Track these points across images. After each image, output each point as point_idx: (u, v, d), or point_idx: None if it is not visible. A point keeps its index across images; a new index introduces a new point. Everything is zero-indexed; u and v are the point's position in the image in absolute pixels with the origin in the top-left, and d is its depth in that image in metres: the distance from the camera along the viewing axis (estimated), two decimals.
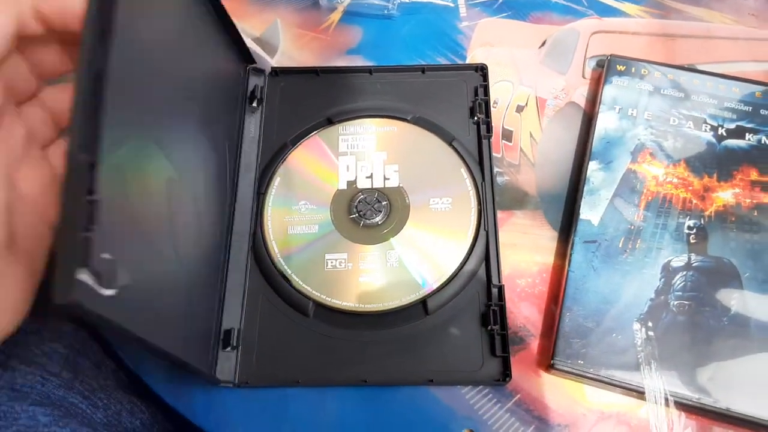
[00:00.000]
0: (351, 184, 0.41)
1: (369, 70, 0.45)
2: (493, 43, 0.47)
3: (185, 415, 0.36)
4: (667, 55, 0.46)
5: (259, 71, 0.44)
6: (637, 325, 0.36)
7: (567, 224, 0.40)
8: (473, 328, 0.37)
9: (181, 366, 0.30)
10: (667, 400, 0.34)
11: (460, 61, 0.47)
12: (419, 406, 0.36)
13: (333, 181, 0.41)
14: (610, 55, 0.43)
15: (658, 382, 0.34)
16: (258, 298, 0.39)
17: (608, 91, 0.42)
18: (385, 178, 0.41)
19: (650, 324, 0.36)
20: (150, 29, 0.28)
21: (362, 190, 0.41)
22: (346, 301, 0.38)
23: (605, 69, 0.43)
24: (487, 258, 0.39)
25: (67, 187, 0.21)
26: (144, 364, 0.38)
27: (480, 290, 0.38)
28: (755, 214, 0.38)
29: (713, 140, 0.40)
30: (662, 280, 0.37)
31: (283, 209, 0.41)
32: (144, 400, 0.40)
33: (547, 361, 0.36)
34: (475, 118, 0.42)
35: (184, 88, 0.33)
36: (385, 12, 0.49)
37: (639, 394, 0.35)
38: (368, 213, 0.40)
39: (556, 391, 0.37)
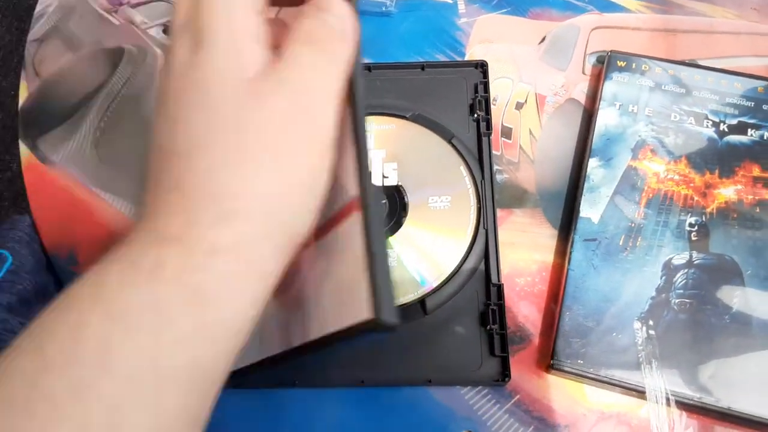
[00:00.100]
0: None
1: (368, 68, 0.44)
2: (492, 40, 0.47)
3: None
4: (668, 51, 0.45)
5: None
6: (637, 324, 0.35)
7: (567, 222, 0.40)
8: (472, 327, 0.37)
9: None
10: (668, 399, 0.34)
11: (458, 58, 0.46)
12: (418, 407, 0.36)
13: None
14: (611, 51, 0.43)
15: (659, 381, 0.34)
16: None
17: (608, 88, 0.42)
18: (383, 176, 0.41)
19: (651, 323, 0.35)
20: None
21: None
22: None
23: (605, 65, 0.43)
24: (486, 256, 0.38)
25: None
26: None
27: (479, 289, 0.38)
28: (757, 210, 0.38)
29: (715, 136, 0.40)
30: (663, 278, 0.36)
31: None
32: None
33: (547, 360, 0.36)
34: (475, 115, 0.42)
35: None
36: (383, 9, 0.49)
37: (640, 393, 0.34)
38: None
39: (556, 391, 0.36)
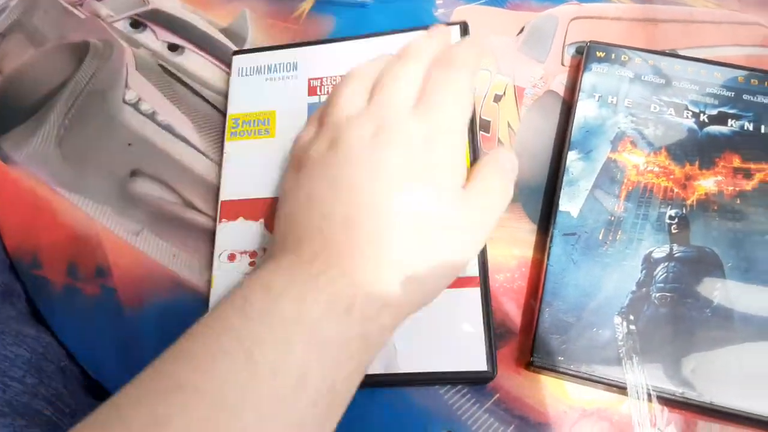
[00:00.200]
0: None
1: None
2: (470, 31, 0.46)
3: None
4: (649, 41, 0.44)
5: None
6: (618, 319, 0.35)
7: (546, 217, 0.39)
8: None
9: None
10: (649, 395, 0.33)
11: None
12: (395, 409, 0.35)
13: None
14: (589, 42, 0.42)
15: (640, 376, 0.33)
16: None
17: (587, 79, 0.41)
18: None
19: (632, 317, 0.35)
20: None
21: None
22: None
23: (584, 56, 0.42)
24: None
25: None
26: (104, 370, 0.37)
27: None
28: (738, 202, 0.37)
29: (695, 127, 0.39)
30: (643, 271, 0.36)
31: None
32: None
33: (527, 358, 0.35)
34: None
35: None
36: (359, 0, 0.48)
37: (621, 389, 0.34)
38: None
39: (537, 389, 0.36)
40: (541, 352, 0.34)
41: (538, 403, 0.35)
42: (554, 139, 0.42)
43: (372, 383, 0.33)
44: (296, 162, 0.33)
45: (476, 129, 0.40)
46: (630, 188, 0.38)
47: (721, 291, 0.35)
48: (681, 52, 0.44)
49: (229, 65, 0.45)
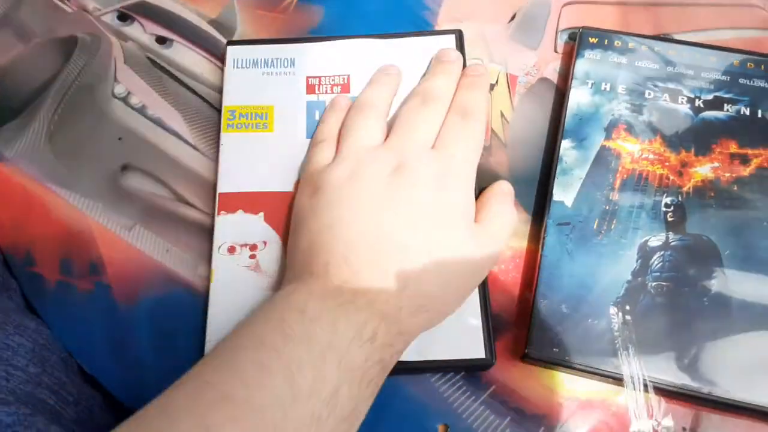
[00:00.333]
0: None
1: None
2: (462, 19, 0.45)
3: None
4: (643, 25, 0.44)
5: None
6: (613, 310, 0.34)
7: (540, 206, 0.38)
8: None
9: None
10: (646, 386, 0.33)
11: None
12: (390, 402, 0.35)
13: None
14: (582, 28, 0.41)
15: (636, 367, 0.33)
16: None
17: (580, 66, 0.40)
18: None
19: (627, 308, 0.34)
20: None
21: None
22: None
23: (577, 42, 0.41)
24: None
25: None
26: (99, 365, 0.37)
27: None
28: (735, 188, 0.36)
29: (690, 113, 0.39)
30: (639, 261, 0.35)
31: None
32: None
33: (522, 350, 0.35)
34: None
35: None
36: None
37: (617, 381, 0.33)
38: None
39: (532, 381, 0.35)
40: (536, 344, 0.34)
41: (533, 395, 0.35)
42: (548, 127, 0.41)
43: None
44: (312, 186, 0.35)
45: None
46: (625, 176, 0.37)
47: (718, 279, 0.34)
48: (676, 37, 0.43)
49: (218, 57, 0.45)
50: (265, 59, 0.42)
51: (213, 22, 0.46)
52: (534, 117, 0.42)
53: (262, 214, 0.38)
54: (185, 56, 0.45)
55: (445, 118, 0.36)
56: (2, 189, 0.42)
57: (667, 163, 0.37)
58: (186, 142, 0.43)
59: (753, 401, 0.32)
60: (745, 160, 0.37)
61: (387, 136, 0.36)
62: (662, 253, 0.35)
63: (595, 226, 0.36)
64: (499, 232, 0.34)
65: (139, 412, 0.26)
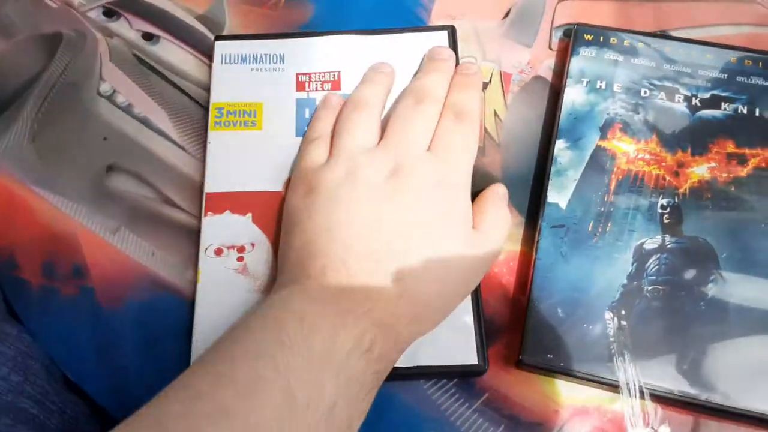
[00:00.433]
0: None
1: None
2: (455, 15, 0.44)
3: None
4: (639, 22, 0.43)
5: None
6: (609, 314, 0.34)
7: (534, 209, 0.38)
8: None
9: None
10: (642, 392, 0.32)
11: None
12: (382, 409, 0.34)
13: None
14: (577, 24, 0.41)
15: (632, 374, 0.32)
16: None
17: (575, 63, 0.39)
18: None
19: (623, 312, 0.34)
20: None
21: None
22: None
23: (572, 39, 0.40)
24: None
25: None
26: (82, 371, 0.36)
27: None
28: (732, 189, 0.36)
29: (687, 111, 0.38)
30: (635, 264, 0.34)
31: None
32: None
33: (516, 356, 0.34)
34: None
35: None
36: None
37: (613, 387, 0.33)
38: None
39: (526, 388, 0.35)
40: (530, 350, 0.33)
41: (528, 402, 0.34)
42: (542, 127, 0.40)
43: None
44: (306, 185, 0.34)
45: None
46: (620, 177, 0.36)
47: (715, 283, 0.34)
48: (673, 33, 0.42)
49: (206, 54, 0.44)
50: (253, 55, 0.41)
51: (201, 18, 0.45)
52: (528, 116, 0.41)
53: (250, 215, 0.38)
54: (172, 53, 0.44)
55: (439, 118, 0.35)
56: None
57: (663, 164, 0.37)
58: (172, 141, 0.42)
59: (752, 408, 0.31)
60: (742, 160, 0.36)
61: (381, 136, 0.35)
62: (658, 255, 0.34)
63: (590, 229, 0.35)
64: (496, 237, 0.34)
65: (130, 419, 0.25)
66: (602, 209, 0.36)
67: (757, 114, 0.37)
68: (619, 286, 0.34)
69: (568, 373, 0.33)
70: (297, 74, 0.41)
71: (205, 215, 0.38)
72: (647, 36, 0.40)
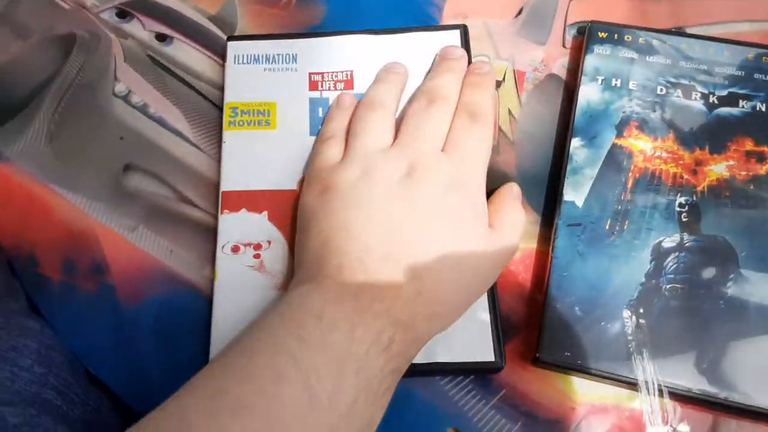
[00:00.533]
0: None
1: None
2: (467, 14, 0.44)
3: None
4: (654, 18, 0.43)
5: None
6: (627, 313, 0.33)
7: (550, 207, 0.38)
8: None
9: None
10: (661, 391, 0.32)
11: None
12: (399, 404, 0.34)
13: None
14: (591, 22, 0.40)
15: (650, 372, 0.32)
16: None
17: (590, 61, 0.39)
18: None
19: (641, 310, 0.33)
20: None
21: None
22: None
23: (586, 37, 0.40)
24: None
25: None
26: (102, 366, 0.37)
27: None
28: (751, 187, 0.36)
29: (704, 109, 0.38)
30: (653, 262, 0.34)
31: None
32: None
33: (533, 353, 0.34)
34: None
35: None
36: None
37: (631, 385, 0.33)
38: None
39: (544, 385, 0.35)
40: (547, 347, 0.33)
41: (545, 399, 0.34)
42: (557, 125, 0.40)
43: None
44: (321, 184, 0.34)
45: None
46: (637, 175, 0.36)
47: (734, 281, 0.34)
48: (689, 30, 0.42)
49: (219, 55, 0.44)
50: (266, 55, 0.42)
51: (213, 19, 0.45)
52: (542, 114, 0.41)
53: (266, 212, 0.38)
54: (186, 53, 0.45)
55: (453, 118, 0.35)
56: (3, 190, 0.41)
57: (680, 162, 0.36)
58: (188, 140, 0.42)
59: None
60: (761, 158, 0.36)
61: (395, 136, 0.35)
62: (676, 254, 0.34)
63: (607, 227, 0.35)
64: (512, 235, 0.34)
65: (153, 413, 0.26)
66: (619, 207, 0.36)
67: None
68: (637, 284, 0.34)
69: (586, 371, 0.33)
70: (310, 74, 0.41)
71: (222, 213, 0.38)
72: (663, 33, 0.40)
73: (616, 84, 0.39)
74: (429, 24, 0.44)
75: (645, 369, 0.32)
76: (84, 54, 0.45)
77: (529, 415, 0.34)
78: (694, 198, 0.36)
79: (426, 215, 0.32)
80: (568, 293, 0.34)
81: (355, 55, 0.41)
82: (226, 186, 0.39)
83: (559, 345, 0.33)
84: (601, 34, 0.40)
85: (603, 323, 0.33)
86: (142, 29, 0.46)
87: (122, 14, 0.46)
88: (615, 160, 0.37)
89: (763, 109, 0.37)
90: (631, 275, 0.34)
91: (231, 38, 0.42)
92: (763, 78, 0.38)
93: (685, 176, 0.36)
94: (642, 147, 0.37)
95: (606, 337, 0.33)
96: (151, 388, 0.36)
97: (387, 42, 0.41)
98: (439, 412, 0.34)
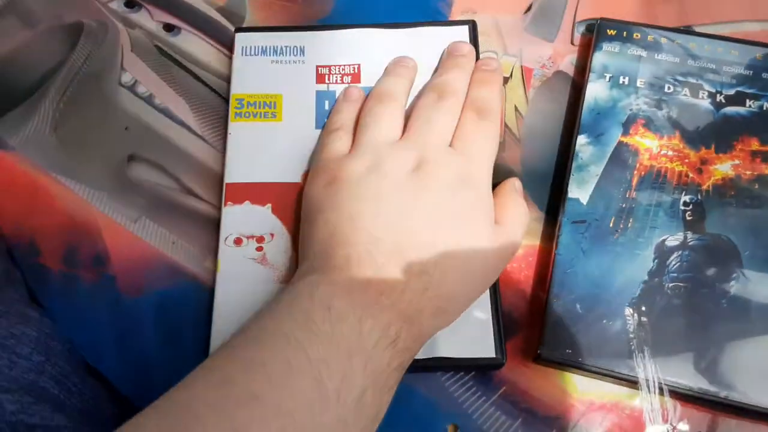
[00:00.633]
0: None
1: None
2: (476, 9, 0.44)
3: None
4: (664, 17, 0.42)
5: None
6: (629, 311, 0.33)
7: (554, 204, 0.38)
8: None
9: None
10: (661, 389, 0.32)
11: None
12: (399, 401, 0.34)
13: None
14: (600, 19, 0.40)
15: (651, 370, 0.32)
16: None
17: (598, 58, 0.39)
18: None
19: (644, 309, 0.33)
20: None
21: None
22: None
23: (595, 34, 0.40)
24: None
25: None
26: (102, 357, 0.36)
27: None
28: (756, 187, 0.35)
29: (711, 108, 0.37)
30: (656, 261, 0.34)
31: None
32: None
33: (534, 350, 0.34)
34: None
35: None
36: None
37: (632, 383, 0.33)
38: None
39: (544, 382, 0.35)
40: (548, 344, 0.33)
41: (545, 396, 0.34)
42: (563, 122, 0.40)
43: None
44: (328, 174, 0.34)
45: None
46: (642, 173, 0.36)
47: (737, 281, 0.33)
48: (697, 29, 0.42)
49: (227, 46, 0.44)
50: (274, 47, 0.42)
51: (222, 10, 0.45)
52: (549, 111, 0.41)
53: (269, 205, 0.38)
54: (193, 44, 0.45)
55: (461, 114, 0.35)
56: (7, 178, 0.41)
57: (686, 160, 0.36)
58: (193, 132, 0.42)
59: None
60: (766, 158, 0.36)
61: (404, 130, 0.35)
62: (680, 253, 0.34)
63: (611, 225, 0.35)
64: (517, 231, 0.34)
65: (158, 403, 0.25)
66: (624, 205, 0.35)
67: None
68: (639, 282, 0.34)
69: (587, 368, 0.33)
70: (317, 67, 0.41)
71: (225, 205, 0.38)
72: (671, 31, 0.40)
73: (623, 81, 0.38)
74: (438, 19, 0.44)
75: (646, 367, 0.32)
76: (91, 43, 0.45)
77: (530, 412, 0.34)
78: (699, 197, 0.35)
79: (435, 210, 0.32)
80: (570, 290, 0.34)
81: (363, 48, 0.41)
82: (230, 178, 0.39)
83: (560, 342, 0.33)
84: (610, 32, 0.40)
85: (605, 321, 0.33)
86: (150, 19, 0.46)
87: (130, 4, 0.46)
88: (620, 158, 0.37)
89: None
90: (634, 273, 0.34)
91: (239, 30, 0.42)
92: None
93: (691, 175, 0.36)
94: (648, 145, 0.37)
95: (607, 335, 0.33)
96: (150, 381, 0.36)
97: (395, 36, 0.41)
98: (439, 409, 0.34)
